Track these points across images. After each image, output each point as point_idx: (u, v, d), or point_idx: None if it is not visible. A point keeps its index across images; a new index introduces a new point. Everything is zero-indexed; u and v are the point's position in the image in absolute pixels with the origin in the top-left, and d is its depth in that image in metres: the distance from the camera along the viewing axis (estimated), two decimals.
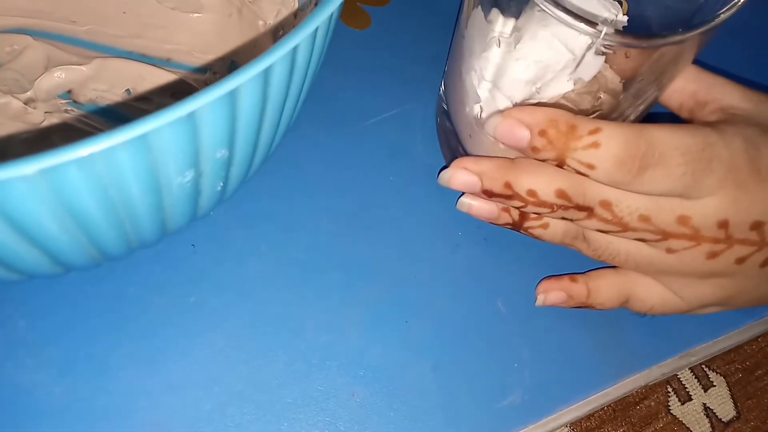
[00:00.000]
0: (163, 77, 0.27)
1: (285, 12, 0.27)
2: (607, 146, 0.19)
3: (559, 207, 0.21)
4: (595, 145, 0.20)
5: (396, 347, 0.24)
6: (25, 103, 0.26)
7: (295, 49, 0.15)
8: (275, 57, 0.14)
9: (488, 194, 0.23)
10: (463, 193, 0.24)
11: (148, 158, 0.14)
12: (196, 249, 0.25)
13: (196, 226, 0.25)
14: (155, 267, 0.24)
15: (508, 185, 0.22)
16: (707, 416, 0.26)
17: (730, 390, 0.27)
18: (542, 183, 0.21)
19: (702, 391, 0.27)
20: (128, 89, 0.27)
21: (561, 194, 0.21)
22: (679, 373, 0.26)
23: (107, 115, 0.27)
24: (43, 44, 0.27)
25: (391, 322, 0.24)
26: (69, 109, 0.26)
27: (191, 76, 0.28)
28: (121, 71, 0.27)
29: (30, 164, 0.12)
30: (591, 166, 0.20)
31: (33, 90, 0.26)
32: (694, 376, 0.27)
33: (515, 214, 0.24)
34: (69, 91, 0.27)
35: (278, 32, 0.27)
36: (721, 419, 0.26)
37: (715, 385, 0.27)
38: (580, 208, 0.21)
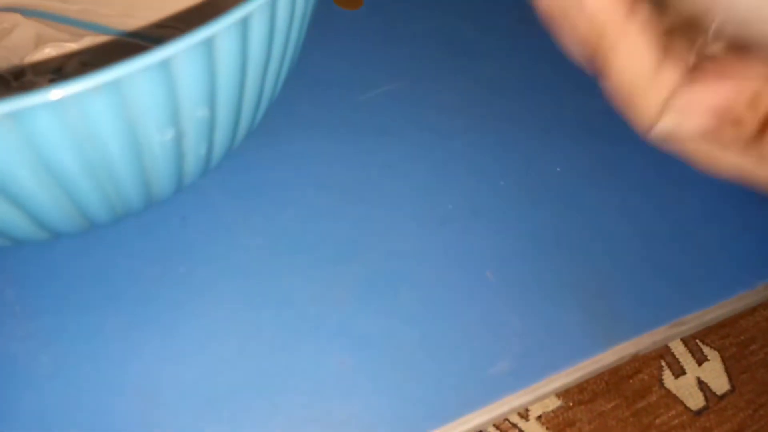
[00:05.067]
0: None
1: None
2: None
3: None
4: None
5: (385, 317, 0.23)
6: (15, 79, 0.26)
7: (274, 2, 0.15)
8: (252, 6, 0.14)
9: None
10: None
11: (124, 109, 0.14)
12: (185, 221, 0.25)
13: (186, 200, 0.25)
14: (145, 238, 0.24)
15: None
16: (701, 389, 0.26)
17: (724, 364, 0.27)
18: None
19: (696, 365, 0.26)
20: None
21: None
22: (672, 347, 0.26)
23: None
24: (34, 22, 0.27)
25: (380, 293, 0.24)
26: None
27: None
28: (111, 50, 0.27)
29: None
30: None
31: (22, 67, 0.26)
32: (687, 351, 0.27)
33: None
34: (59, 69, 0.27)
35: None
36: (715, 392, 0.26)
37: (709, 359, 0.27)
38: None
